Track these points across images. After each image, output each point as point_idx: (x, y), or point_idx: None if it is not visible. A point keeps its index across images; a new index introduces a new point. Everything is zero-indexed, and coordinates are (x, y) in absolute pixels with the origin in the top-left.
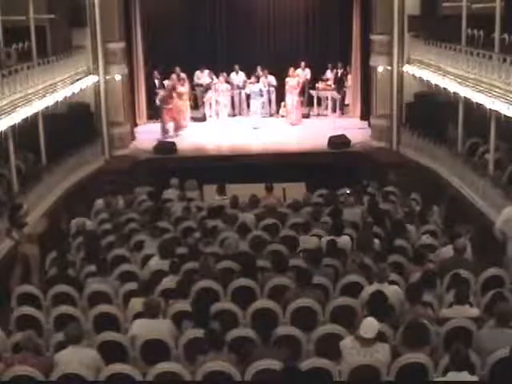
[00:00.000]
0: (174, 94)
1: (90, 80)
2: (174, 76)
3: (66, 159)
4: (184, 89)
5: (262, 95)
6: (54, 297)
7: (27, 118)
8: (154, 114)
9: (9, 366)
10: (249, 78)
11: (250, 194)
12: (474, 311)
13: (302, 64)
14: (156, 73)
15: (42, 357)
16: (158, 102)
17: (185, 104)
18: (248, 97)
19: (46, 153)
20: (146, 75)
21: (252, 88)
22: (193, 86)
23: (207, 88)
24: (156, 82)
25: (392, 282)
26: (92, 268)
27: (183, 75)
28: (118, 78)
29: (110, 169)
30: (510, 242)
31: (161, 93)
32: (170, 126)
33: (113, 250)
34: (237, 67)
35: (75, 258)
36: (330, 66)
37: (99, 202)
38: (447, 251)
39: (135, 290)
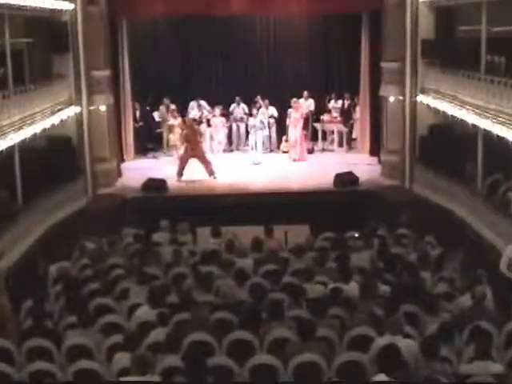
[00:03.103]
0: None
1: (72, 111)
2: (162, 108)
3: (44, 198)
4: (175, 121)
5: (262, 128)
6: (29, 351)
7: (2, 151)
8: (141, 148)
9: None
10: (249, 110)
11: (253, 236)
12: (497, 367)
13: (305, 94)
14: (137, 104)
15: None
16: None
17: (177, 138)
18: (247, 131)
19: (23, 191)
20: (134, 106)
21: (252, 121)
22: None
23: (199, 122)
24: (141, 113)
25: (405, 335)
26: (72, 319)
27: (173, 106)
28: (102, 108)
29: (94, 209)
30: None
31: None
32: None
33: (96, 298)
34: (238, 98)
35: (53, 307)
36: (335, 96)
37: (81, 246)
38: (466, 300)
39: (120, 344)
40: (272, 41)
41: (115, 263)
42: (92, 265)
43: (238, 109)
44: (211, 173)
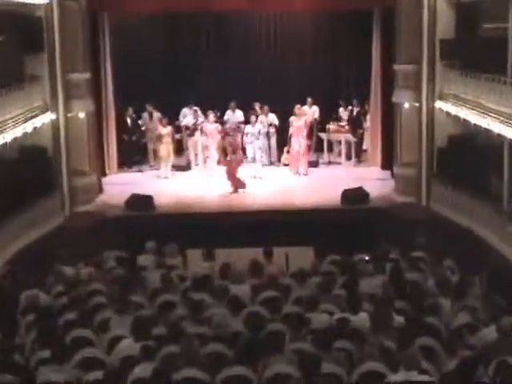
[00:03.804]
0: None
1: (47, 118)
2: (145, 115)
3: (15, 216)
4: (165, 130)
5: (261, 138)
6: None
7: None
8: (125, 161)
9: None
10: (246, 117)
11: (250, 260)
12: None
13: (309, 100)
14: (131, 110)
15: None
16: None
17: (167, 148)
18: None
19: None
20: (117, 113)
21: (250, 129)
22: (176, 127)
23: (194, 130)
24: (128, 121)
25: (421, 371)
26: (45, 353)
27: (158, 114)
28: (81, 115)
29: (71, 228)
30: None
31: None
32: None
33: (72, 330)
34: (233, 104)
35: (24, 340)
36: (343, 102)
37: (56, 270)
38: (491, 332)
39: (100, 381)
40: (272, 40)
41: (95, 290)
42: (68, 292)
43: (233, 116)
44: (239, 187)
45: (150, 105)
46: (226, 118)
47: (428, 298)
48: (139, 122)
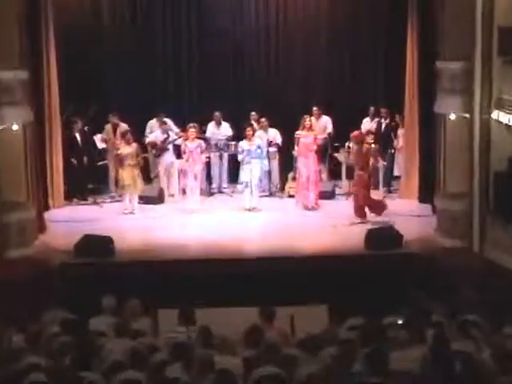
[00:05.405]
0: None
1: None
2: (108, 128)
3: None
4: (129, 149)
5: (260, 158)
6: None
7: None
8: (76, 190)
9: None
10: (238, 131)
11: (245, 325)
12: None
13: (315, 110)
14: (80, 123)
15: None
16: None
17: (132, 173)
18: (235, 161)
19: None
20: (65, 126)
21: (246, 146)
22: (143, 146)
23: (162, 149)
24: (78, 136)
25: None
26: None
27: (125, 126)
28: (16, 128)
29: (1, 280)
30: None
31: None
32: None
33: None
34: (217, 115)
35: None
36: (370, 112)
37: None
38: None
39: None
40: (274, 28)
41: (32, 364)
42: None
43: (218, 131)
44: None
45: (114, 115)
46: (208, 134)
47: (483, 376)
48: (95, 137)
